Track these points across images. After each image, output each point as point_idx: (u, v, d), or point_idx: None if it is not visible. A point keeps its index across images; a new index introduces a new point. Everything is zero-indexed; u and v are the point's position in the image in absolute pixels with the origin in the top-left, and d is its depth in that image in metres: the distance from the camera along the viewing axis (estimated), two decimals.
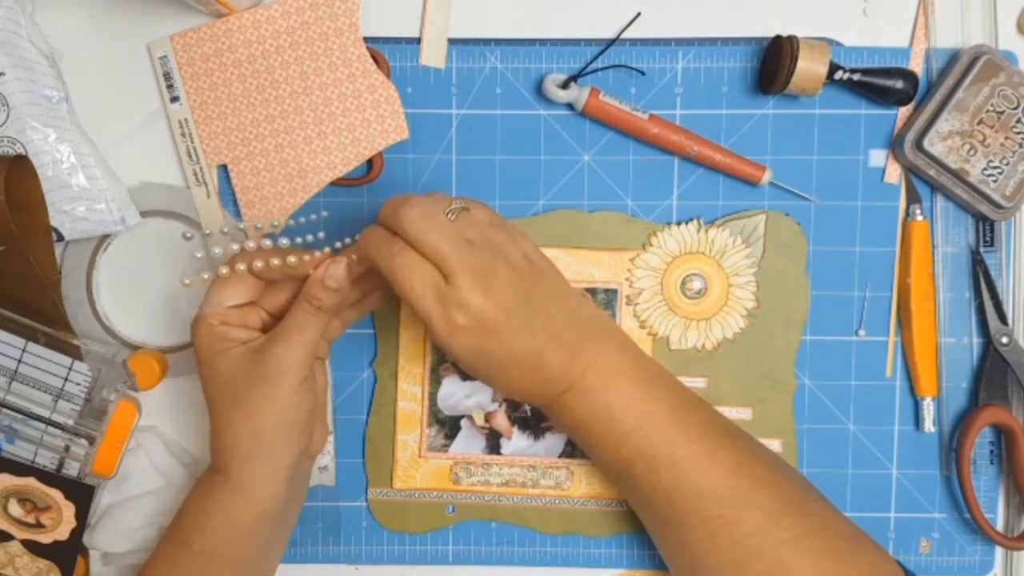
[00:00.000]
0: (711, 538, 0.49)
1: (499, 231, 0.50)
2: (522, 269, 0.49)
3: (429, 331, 0.48)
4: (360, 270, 0.51)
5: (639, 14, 0.57)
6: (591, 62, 0.57)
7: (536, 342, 0.49)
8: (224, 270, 0.49)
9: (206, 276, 0.50)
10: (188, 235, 0.52)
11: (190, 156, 0.58)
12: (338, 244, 0.52)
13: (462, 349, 0.48)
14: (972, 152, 0.55)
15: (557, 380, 0.50)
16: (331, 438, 0.59)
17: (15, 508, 0.56)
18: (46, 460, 0.56)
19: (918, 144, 0.56)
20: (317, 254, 0.50)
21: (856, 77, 0.55)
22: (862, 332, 0.58)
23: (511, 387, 0.51)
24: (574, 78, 0.57)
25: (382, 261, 0.48)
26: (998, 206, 0.56)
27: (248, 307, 0.52)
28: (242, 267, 0.49)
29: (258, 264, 0.49)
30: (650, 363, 0.53)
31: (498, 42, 0.58)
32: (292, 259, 0.49)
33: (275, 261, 0.49)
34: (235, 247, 0.51)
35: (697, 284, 0.58)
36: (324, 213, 0.52)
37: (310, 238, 0.52)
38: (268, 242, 0.51)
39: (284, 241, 0.51)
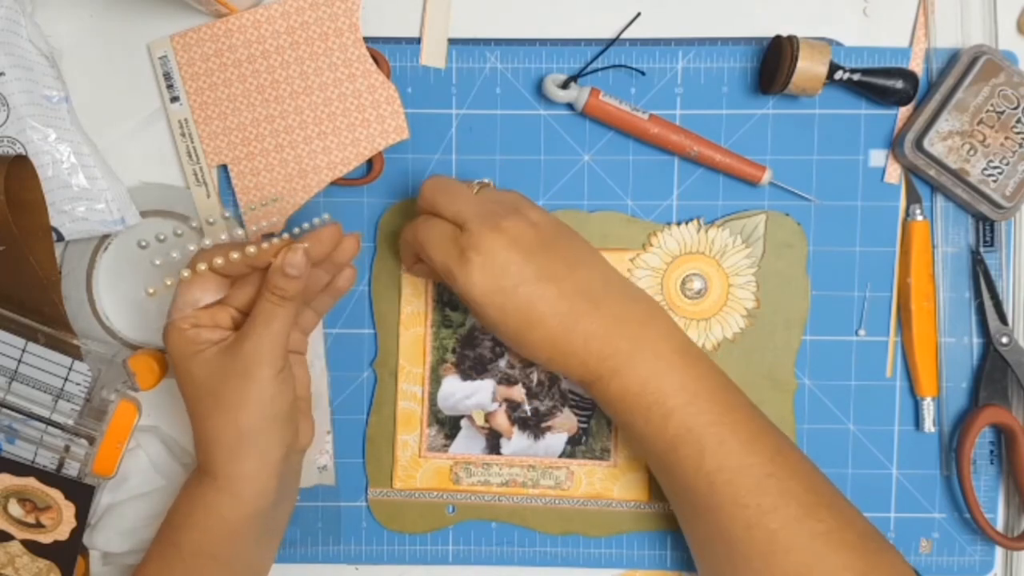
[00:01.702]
0: (747, 528, 0.48)
1: (522, 199, 0.52)
2: (542, 224, 0.50)
3: (449, 282, 0.49)
4: (323, 251, 0.50)
5: (639, 14, 0.57)
6: (591, 62, 0.57)
7: (561, 291, 0.49)
8: (186, 272, 0.49)
9: (169, 282, 0.50)
10: (161, 237, 0.51)
11: (190, 156, 0.58)
12: (296, 230, 0.51)
13: (481, 289, 0.48)
14: (972, 152, 0.55)
15: (602, 347, 0.49)
16: (331, 438, 0.59)
17: (15, 508, 0.56)
18: (46, 460, 0.56)
19: (918, 144, 0.56)
20: (275, 241, 0.49)
21: (856, 77, 0.55)
22: (862, 332, 0.58)
23: (545, 350, 0.50)
24: (574, 78, 0.57)
25: (410, 234, 0.52)
26: (998, 206, 0.56)
27: (217, 307, 0.51)
28: (203, 266, 0.49)
29: (218, 261, 0.49)
30: (692, 342, 0.52)
31: (498, 42, 0.58)
32: (251, 249, 0.49)
33: (234, 255, 0.49)
34: (191, 247, 0.51)
35: (697, 284, 0.58)
36: (325, 215, 0.52)
37: (265, 223, 0.52)
38: (224, 236, 0.50)
39: (240, 232, 0.50)
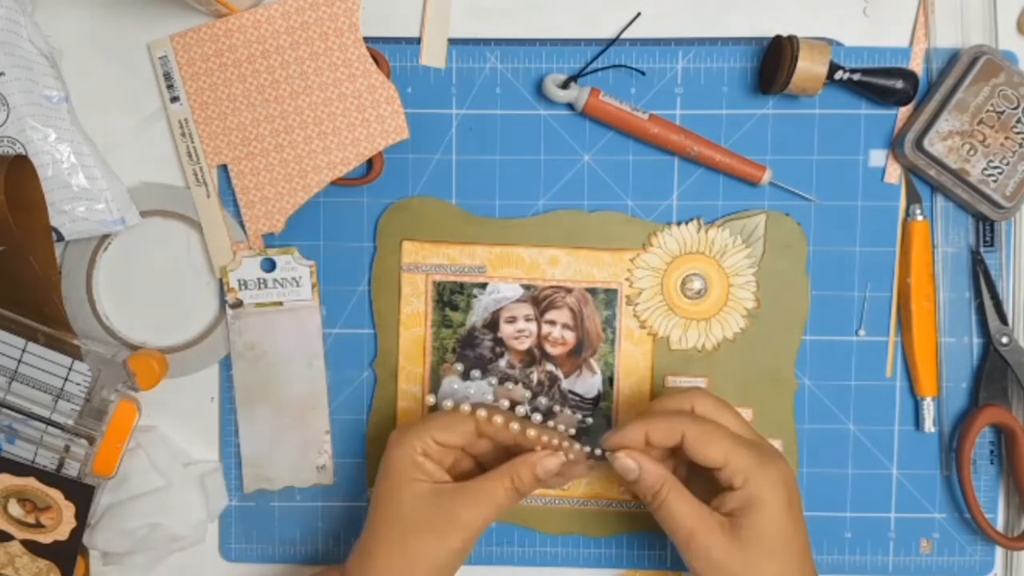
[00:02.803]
0: None
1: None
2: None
3: (749, 484, 0.48)
4: (572, 467, 0.51)
5: (639, 14, 0.57)
6: (591, 62, 0.57)
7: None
8: (449, 403, 0.50)
9: (448, 404, 0.51)
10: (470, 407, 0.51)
11: (190, 156, 0.58)
12: (596, 452, 0.51)
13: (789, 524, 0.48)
14: (972, 152, 0.55)
15: None
16: (329, 438, 0.59)
17: (15, 508, 0.56)
18: (46, 460, 0.56)
19: (918, 144, 0.56)
20: (555, 442, 0.50)
21: (856, 77, 0.55)
22: (862, 332, 0.58)
23: None
24: (574, 78, 0.57)
25: (687, 423, 0.49)
26: (998, 206, 0.56)
27: (449, 450, 0.52)
28: (466, 407, 0.50)
29: (497, 419, 0.50)
30: None
31: (498, 42, 0.58)
32: (531, 432, 0.50)
33: (514, 425, 0.50)
34: (502, 403, 0.52)
35: (697, 284, 0.58)
36: (588, 420, 0.53)
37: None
38: (521, 409, 0.51)
39: (521, 410, 0.51)
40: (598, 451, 0.51)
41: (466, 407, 0.50)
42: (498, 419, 0.50)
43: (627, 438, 0.50)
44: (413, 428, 0.51)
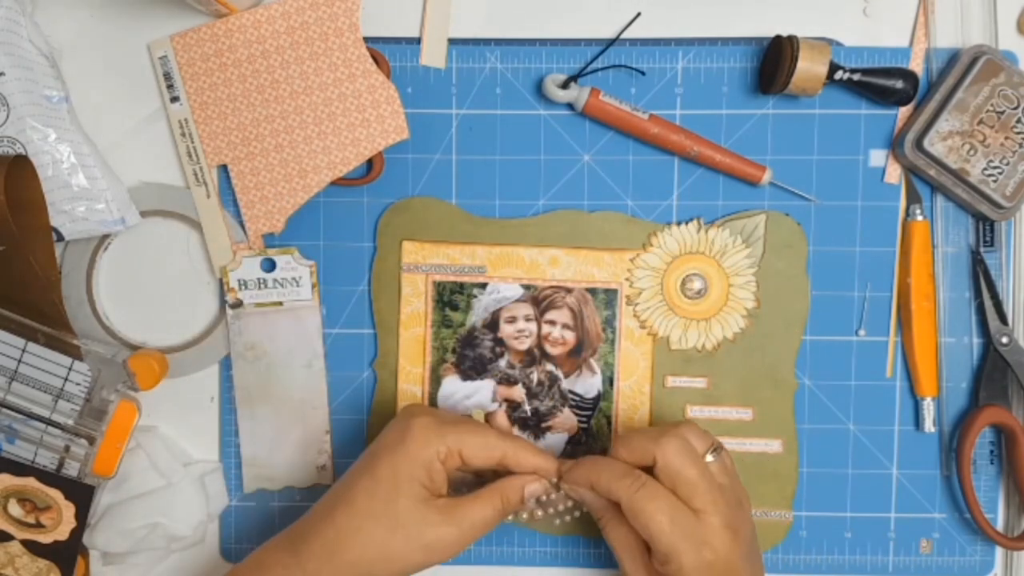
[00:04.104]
0: None
1: (737, 480, 0.52)
2: (750, 523, 0.51)
3: (671, 564, 0.48)
4: (553, 493, 0.53)
5: (639, 14, 0.57)
6: (591, 62, 0.57)
7: None
8: (480, 413, 0.54)
9: (540, 514, 0.55)
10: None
11: (190, 156, 0.58)
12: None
13: None
14: (972, 152, 0.55)
15: None
16: (329, 438, 0.59)
17: (15, 508, 0.56)
18: (46, 460, 0.56)
19: (918, 144, 0.56)
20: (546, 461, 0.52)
21: (856, 77, 0.55)
22: (862, 332, 0.58)
23: None
24: (574, 78, 0.57)
25: (623, 492, 0.49)
26: (998, 206, 0.56)
27: (460, 462, 0.51)
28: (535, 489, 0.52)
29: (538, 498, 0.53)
30: None
31: (498, 42, 0.58)
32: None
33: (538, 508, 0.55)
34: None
35: (697, 284, 0.58)
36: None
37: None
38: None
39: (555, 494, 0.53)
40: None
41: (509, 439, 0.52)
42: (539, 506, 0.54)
43: (572, 478, 0.52)
44: (447, 431, 0.50)
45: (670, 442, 0.49)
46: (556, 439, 0.59)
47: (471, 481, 0.56)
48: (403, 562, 0.49)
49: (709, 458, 0.50)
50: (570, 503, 0.57)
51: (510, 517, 0.58)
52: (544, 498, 0.55)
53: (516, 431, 0.59)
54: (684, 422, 0.52)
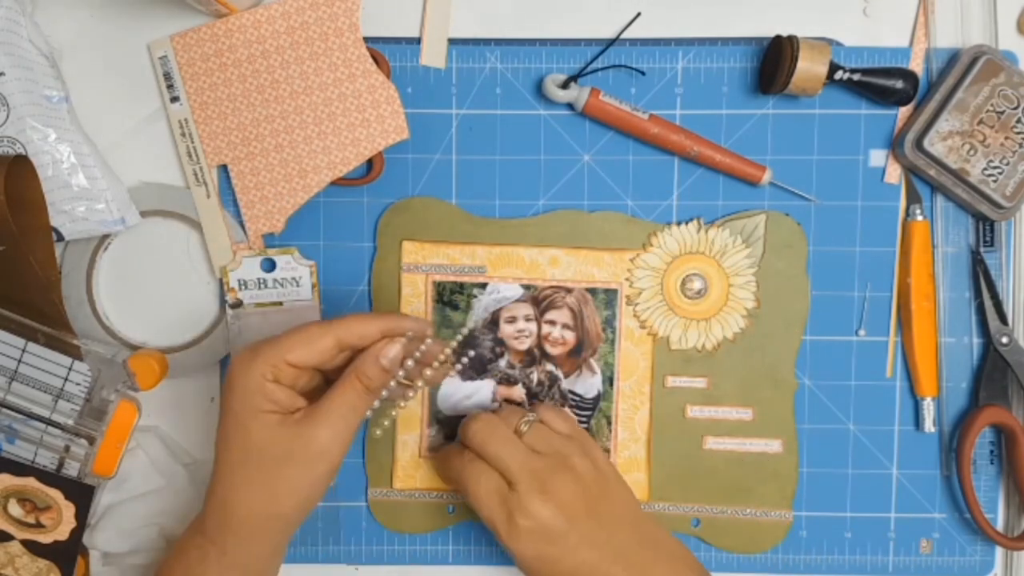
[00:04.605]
0: None
1: (570, 442, 0.52)
2: (588, 479, 0.51)
3: (497, 538, 0.50)
4: (418, 351, 0.50)
5: (639, 14, 0.57)
6: (591, 62, 0.57)
7: (602, 557, 0.49)
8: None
9: (394, 413, 0.52)
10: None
11: (190, 156, 0.58)
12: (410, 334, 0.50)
13: (526, 555, 0.49)
14: (972, 152, 0.55)
15: None
16: None
17: (15, 508, 0.56)
18: (46, 460, 0.56)
19: (918, 144, 0.56)
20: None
21: (856, 77, 0.55)
22: (862, 332, 0.58)
23: None
24: (574, 78, 0.57)
25: (454, 467, 0.52)
26: (998, 206, 0.56)
27: (303, 371, 0.49)
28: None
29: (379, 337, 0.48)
30: None
31: (498, 42, 0.58)
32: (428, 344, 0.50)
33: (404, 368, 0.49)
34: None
35: (697, 284, 0.58)
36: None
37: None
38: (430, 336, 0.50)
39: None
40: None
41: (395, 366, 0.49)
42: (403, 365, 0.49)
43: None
44: (261, 349, 0.47)
45: (472, 426, 0.51)
46: None
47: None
48: (292, 490, 0.47)
49: (523, 428, 0.52)
50: (446, 353, 0.52)
51: (390, 400, 0.52)
52: (411, 362, 0.50)
53: None
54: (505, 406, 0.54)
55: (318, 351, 0.48)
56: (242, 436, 0.47)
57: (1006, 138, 0.55)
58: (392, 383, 0.49)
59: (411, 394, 0.52)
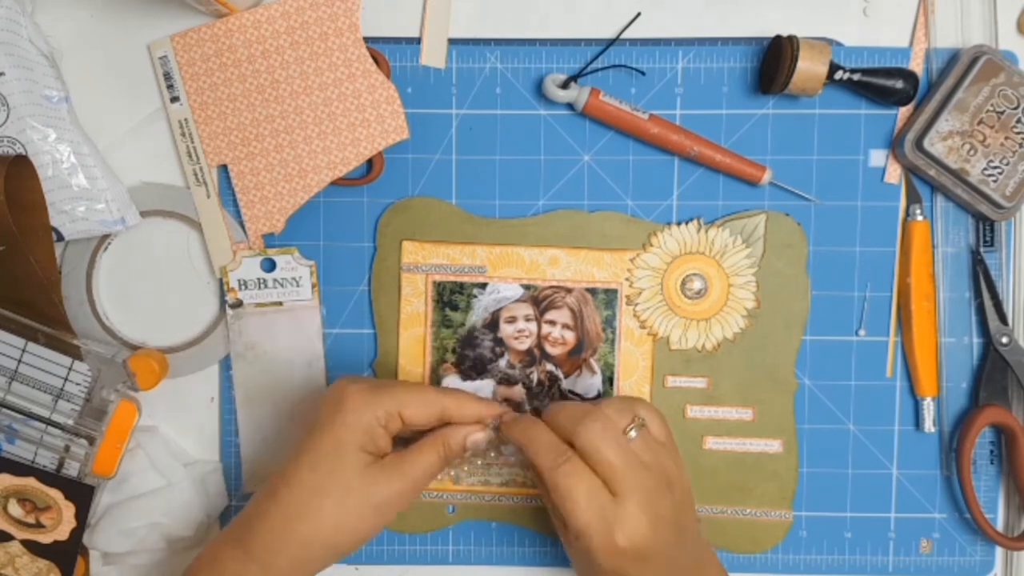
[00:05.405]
0: None
1: (670, 455, 0.50)
2: (680, 499, 0.49)
3: (582, 542, 0.47)
4: (493, 451, 0.54)
5: (639, 14, 0.57)
6: (591, 62, 0.57)
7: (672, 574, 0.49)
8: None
9: (479, 463, 0.57)
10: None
11: (190, 156, 0.58)
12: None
13: (606, 568, 0.47)
14: (972, 152, 0.55)
15: None
16: None
17: (15, 508, 0.56)
18: (46, 460, 0.56)
19: (918, 144, 0.56)
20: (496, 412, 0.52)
21: (856, 77, 0.55)
22: (862, 332, 0.58)
23: None
24: (574, 78, 0.57)
25: (545, 465, 0.48)
26: (998, 206, 0.56)
27: (409, 427, 0.51)
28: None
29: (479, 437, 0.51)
30: None
31: (498, 42, 0.58)
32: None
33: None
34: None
35: (697, 284, 0.58)
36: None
37: None
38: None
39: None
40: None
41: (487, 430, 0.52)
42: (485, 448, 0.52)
43: (508, 435, 0.51)
44: (382, 393, 0.50)
45: (588, 424, 0.48)
46: None
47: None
48: (356, 529, 0.49)
49: (632, 434, 0.48)
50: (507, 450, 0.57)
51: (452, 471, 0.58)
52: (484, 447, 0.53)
53: None
54: (614, 398, 0.52)
55: (427, 415, 0.50)
56: (335, 463, 0.49)
57: (1006, 138, 0.55)
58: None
59: (452, 472, 0.58)
